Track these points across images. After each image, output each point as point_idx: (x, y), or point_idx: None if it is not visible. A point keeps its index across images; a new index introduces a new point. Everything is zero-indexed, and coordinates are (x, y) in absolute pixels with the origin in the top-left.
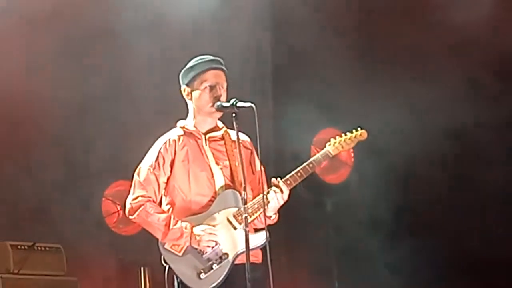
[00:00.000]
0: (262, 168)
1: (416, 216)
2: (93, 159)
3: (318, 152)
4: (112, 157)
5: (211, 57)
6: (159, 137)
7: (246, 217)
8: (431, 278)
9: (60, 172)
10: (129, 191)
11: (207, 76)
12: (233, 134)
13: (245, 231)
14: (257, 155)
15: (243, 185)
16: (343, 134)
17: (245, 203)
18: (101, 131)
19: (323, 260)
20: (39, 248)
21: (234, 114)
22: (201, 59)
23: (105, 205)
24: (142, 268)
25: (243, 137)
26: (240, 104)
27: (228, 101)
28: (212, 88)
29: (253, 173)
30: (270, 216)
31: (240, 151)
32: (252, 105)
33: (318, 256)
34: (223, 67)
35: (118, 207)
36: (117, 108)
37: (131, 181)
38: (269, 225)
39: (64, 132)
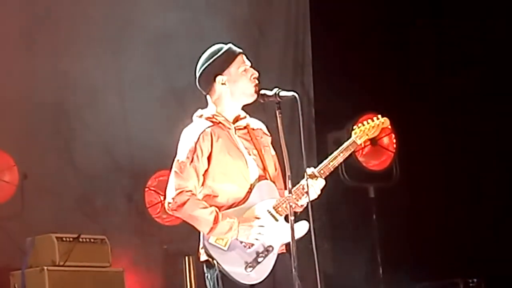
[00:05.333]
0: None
1: None
2: (136, 149)
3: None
4: (155, 147)
5: (230, 44)
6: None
7: (291, 205)
8: None
9: (104, 164)
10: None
11: (240, 60)
12: (252, 122)
13: (291, 221)
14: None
15: (287, 174)
16: (365, 122)
17: (290, 191)
18: (144, 121)
19: (367, 247)
20: (84, 239)
21: (278, 104)
22: (224, 47)
23: (148, 196)
24: (186, 257)
25: (258, 124)
26: (283, 93)
27: (270, 90)
28: (248, 70)
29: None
30: (303, 205)
31: (283, 142)
32: (295, 94)
33: (361, 243)
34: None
35: (161, 197)
36: (159, 99)
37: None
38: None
39: (107, 123)
